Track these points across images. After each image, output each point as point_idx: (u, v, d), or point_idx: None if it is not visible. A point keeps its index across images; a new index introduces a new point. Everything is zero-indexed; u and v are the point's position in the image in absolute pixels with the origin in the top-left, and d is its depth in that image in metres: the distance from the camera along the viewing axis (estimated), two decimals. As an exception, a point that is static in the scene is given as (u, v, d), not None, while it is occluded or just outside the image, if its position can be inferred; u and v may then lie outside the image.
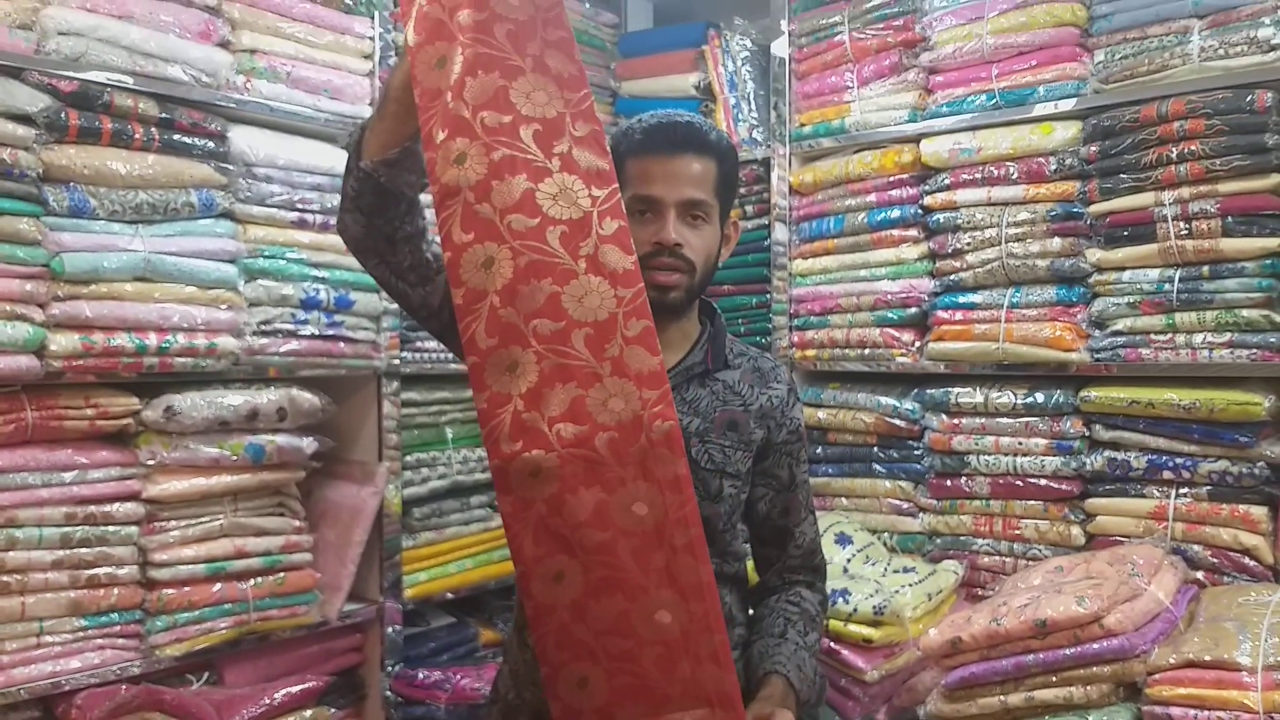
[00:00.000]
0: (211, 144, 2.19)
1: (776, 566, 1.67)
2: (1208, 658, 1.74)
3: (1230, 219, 2.14)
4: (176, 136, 2.14)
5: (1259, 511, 2.14)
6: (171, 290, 2.12)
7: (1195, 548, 2.21)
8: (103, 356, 2.01)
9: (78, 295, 2.00)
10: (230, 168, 2.21)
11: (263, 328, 2.27)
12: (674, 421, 1.32)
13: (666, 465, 1.32)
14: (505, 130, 1.32)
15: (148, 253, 2.07)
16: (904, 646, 2.28)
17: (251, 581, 2.24)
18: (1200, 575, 2.19)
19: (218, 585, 2.19)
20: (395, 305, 2.51)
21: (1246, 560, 2.15)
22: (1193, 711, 1.71)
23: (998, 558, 2.49)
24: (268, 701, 1.90)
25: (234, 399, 2.20)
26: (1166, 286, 2.23)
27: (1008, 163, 2.46)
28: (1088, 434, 2.37)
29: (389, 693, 2.45)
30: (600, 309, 1.32)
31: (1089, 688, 1.84)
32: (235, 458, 2.21)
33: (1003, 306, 2.46)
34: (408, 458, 2.61)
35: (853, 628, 2.23)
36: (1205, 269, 2.19)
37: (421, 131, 1.35)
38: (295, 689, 1.95)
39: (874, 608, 2.23)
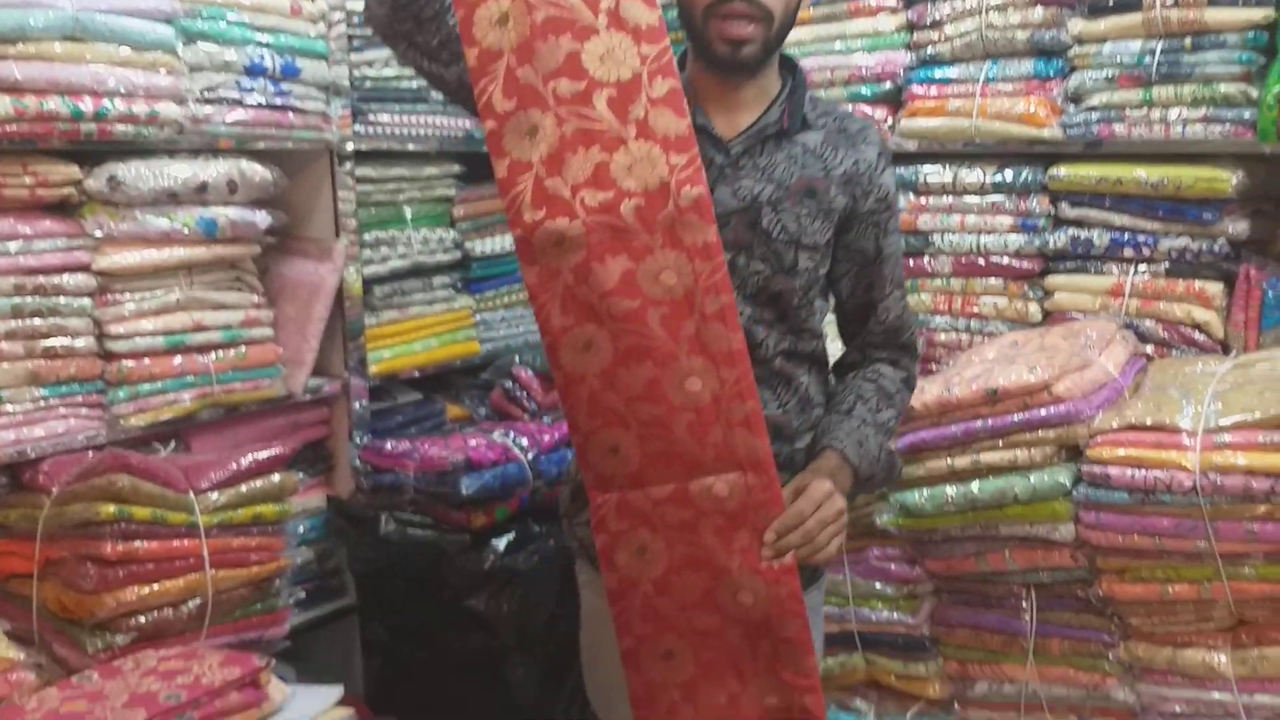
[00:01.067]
0: (135, -114, 2.01)
1: (858, 342, 1.57)
2: (1149, 421, 1.81)
3: (1217, -14, 2.06)
4: (95, -124, 1.95)
5: (1214, 287, 2.17)
6: (105, 51, 1.99)
7: (1148, 323, 2.24)
8: (36, 121, 1.91)
9: (4, 55, 1.87)
10: (159, -85, 2.04)
11: (206, 95, 2.16)
12: (702, 187, 1.27)
13: (695, 232, 1.28)
14: None
15: (75, 10, 1.94)
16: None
17: (213, 355, 2.24)
18: (1150, 349, 2.24)
19: (178, 358, 2.18)
20: (345, 78, 2.42)
21: (1196, 335, 2.19)
22: (1130, 471, 1.79)
23: (954, 334, 2.52)
24: (235, 466, 1.93)
25: (180, 170, 2.12)
26: (1147, 59, 2.16)
27: (992, -75, 2.32)
28: (1053, 212, 2.36)
29: (358, 462, 2.51)
30: (623, 67, 1.25)
31: (1033, 450, 1.91)
32: (187, 231, 2.15)
33: (978, 81, 2.38)
34: (366, 236, 2.56)
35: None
36: (1187, 41, 2.11)
37: None
38: (262, 455, 1.98)
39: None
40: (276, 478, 2.00)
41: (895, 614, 2.13)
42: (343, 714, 1.74)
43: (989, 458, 1.95)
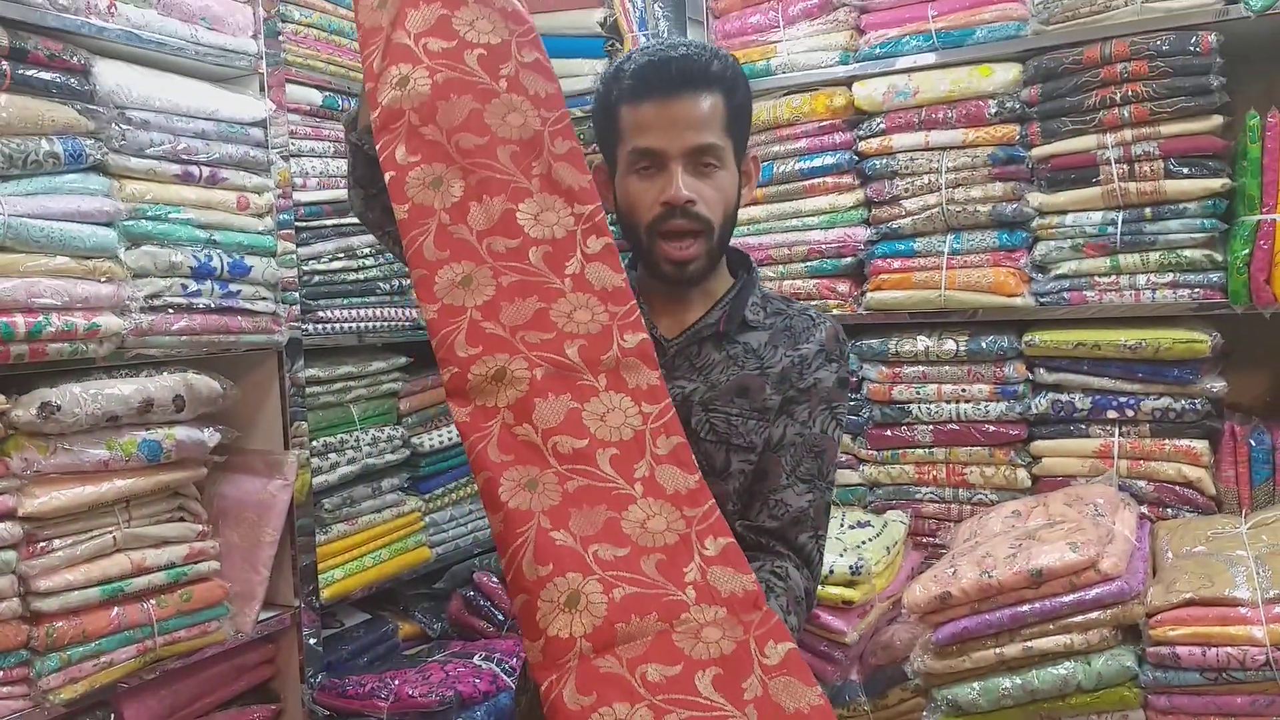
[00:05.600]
0: (74, 81, 1.80)
1: (754, 526, 1.38)
2: (1207, 595, 1.77)
3: (1173, 161, 2.18)
4: (31, 71, 1.74)
5: (1200, 445, 2.22)
6: (39, 262, 1.73)
7: (1140, 483, 2.27)
8: (-42, 346, 1.62)
9: (-82, 271, 1.60)
10: (99, 110, 1.83)
11: (150, 303, 1.91)
12: (644, 334, 1.26)
13: (641, 375, 1.26)
14: (449, 54, 1.30)
15: (6, 216, 1.68)
16: (872, 604, 2.23)
17: (153, 601, 1.91)
18: (1144, 509, 2.26)
19: (115, 610, 1.85)
20: (293, 272, 2.22)
21: (1189, 492, 2.22)
22: (1199, 650, 1.74)
23: (943, 504, 2.49)
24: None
25: (124, 388, 1.84)
26: (1110, 229, 2.25)
27: (945, 106, 2.41)
28: (1031, 377, 2.38)
29: (315, 706, 2.18)
30: (557, 227, 1.27)
31: (1089, 633, 1.84)
32: (127, 458, 1.86)
33: (943, 253, 2.43)
34: (313, 443, 2.31)
35: (831, 590, 2.16)
36: (1148, 211, 2.22)
37: (363, 66, 1.34)
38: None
39: (849, 567, 2.16)
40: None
41: (951, 822, 1.97)
42: None
43: (1042, 644, 1.86)
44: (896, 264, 2.49)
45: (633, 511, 1.20)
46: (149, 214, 1.92)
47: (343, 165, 2.36)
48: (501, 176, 1.27)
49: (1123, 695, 1.80)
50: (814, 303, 2.58)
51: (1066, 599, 1.85)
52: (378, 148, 1.28)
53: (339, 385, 2.40)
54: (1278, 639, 1.69)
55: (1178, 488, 2.23)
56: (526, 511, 1.17)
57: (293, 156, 2.25)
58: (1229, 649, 1.71)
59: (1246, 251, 2.13)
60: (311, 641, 2.24)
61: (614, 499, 1.20)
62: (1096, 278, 2.29)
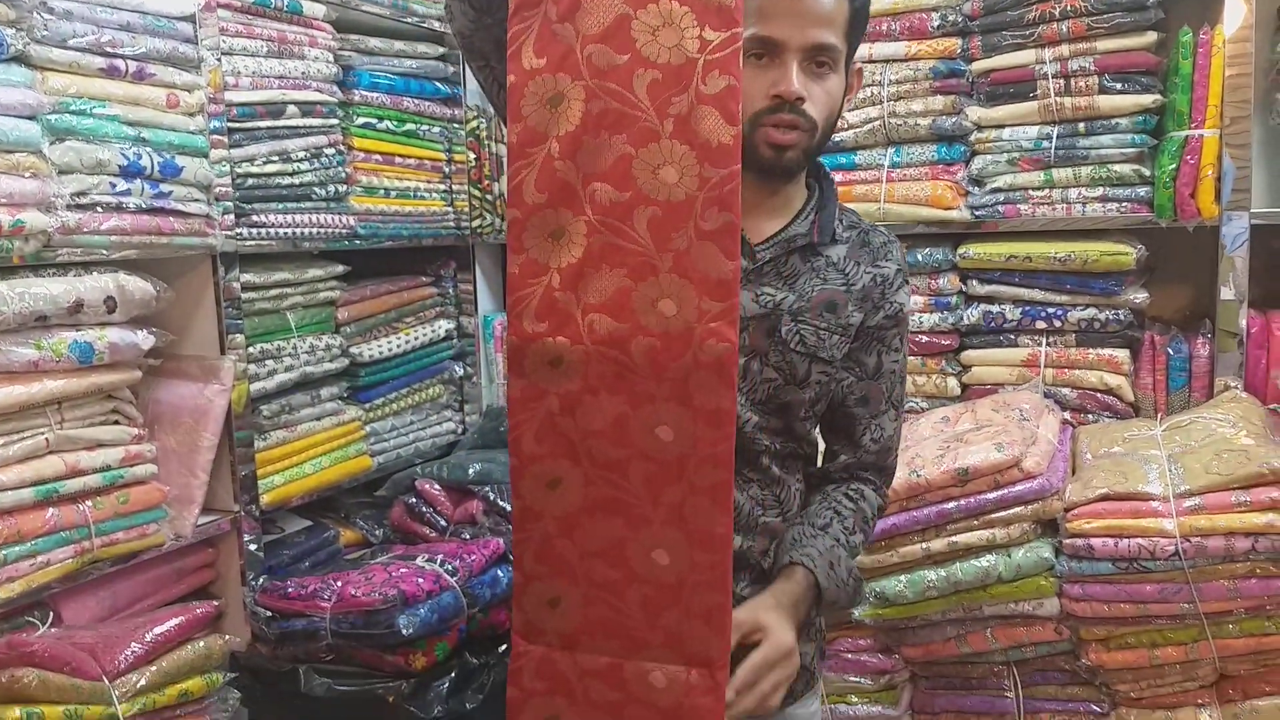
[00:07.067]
0: (-11, -37, 1.72)
1: (844, 459, 1.47)
2: (1121, 490, 1.87)
3: (1107, 76, 2.22)
4: (-58, -49, 1.66)
5: (1121, 354, 2.31)
6: (-42, 154, 1.67)
7: (1065, 390, 2.35)
8: (-125, 240, 1.57)
9: None
10: (18, -2, 1.75)
11: (77, 200, 1.86)
12: (731, 345, 1.11)
13: (709, 394, 1.12)
14: None
15: (-78, 105, 1.62)
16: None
17: (90, 503, 1.90)
18: (1067, 415, 2.35)
19: (50, 511, 1.83)
20: (227, 176, 2.17)
21: (1110, 399, 2.31)
22: (1112, 541, 1.83)
23: (876, 414, 2.54)
24: (150, 636, 1.62)
25: (52, 288, 1.80)
26: (1045, 144, 2.30)
27: (888, 19, 2.41)
28: (964, 289, 2.44)
29: (258, 608, 2.19)
30: (677, 188, 1.10)
31: (1010, 528, 1.93)
32: (58, 359, 1.82)
33: (884, 166, 2.45)
34: (250, 350, 2.28)
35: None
36: (1081, 126, 2.27)
37: None
38: (178, 619, 1.68)
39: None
40: (201, 643, 1.70)
41: (875, 707, 2.08)
42: None
43: (966, 538, 1.95)
44: (838, 177, 2.51)
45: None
46: (73, 108, 1.85)
47: (276, 65, 2.30)
48: (630, 110, 1.09)
49: (1039, 585, 1.89)
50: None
51: (990, 496, 1.93)
52: (508, 37, 1.12)
53: (275, 292, 2.36)
54: (1186, 531, 1.78)
55: (1099, 394, 2.32)
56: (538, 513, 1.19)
57: (225, 55, 2.18)
58: (1140, 540, 1.81)
59: (1174, 166, 2.19)
60: (252, 547, 2.25)
61: (634, 516, 1.17)
62: (1030, 191, 2.33)
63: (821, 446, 1.53)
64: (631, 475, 1.15)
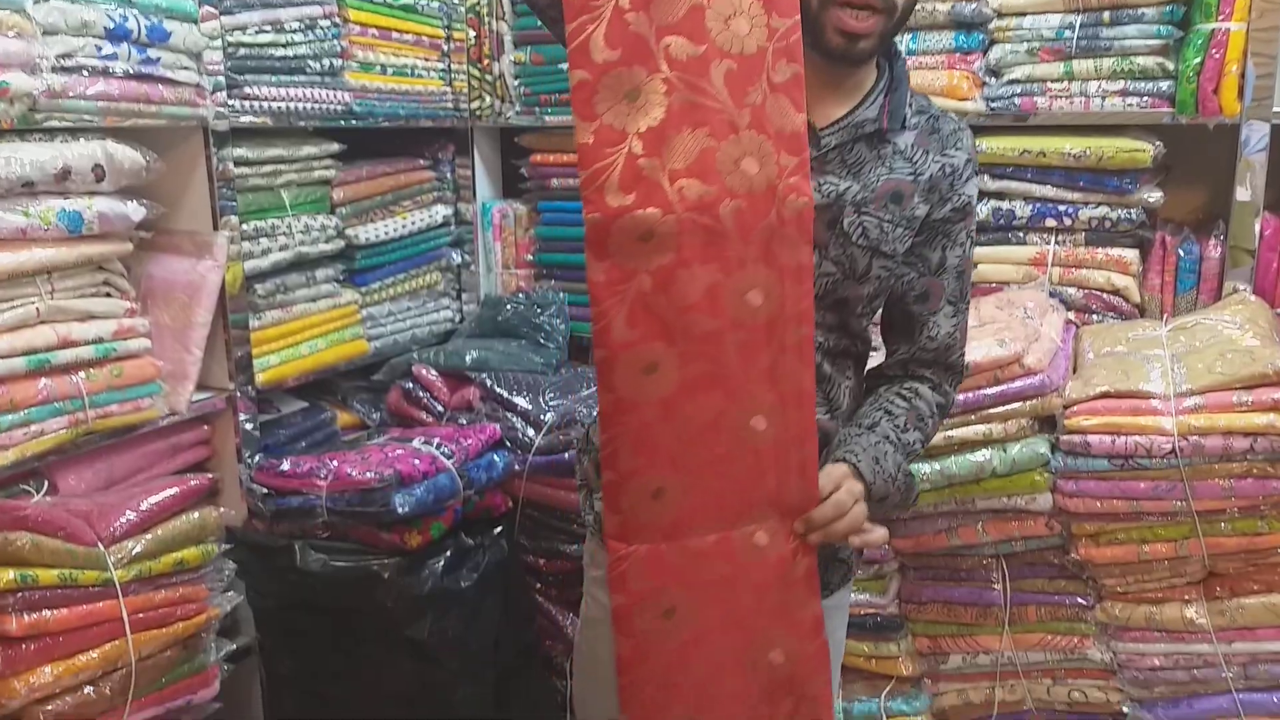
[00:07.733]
0: None
1: (901, 355, 1.42)
2: (1122, 388, 1.85)
3: (1135, -40, 2.13)
4: None
5: (1130, 254, 2.26)
6: (-64, 7, 1.60)
7: (1070, 290, 2.31)
8: None
9: None
10: None
11: (62, 63, 1.79)
12: (809, 199, 1.09)
13: (791, 250, 1.11)
14: None
15: (-106, -49, 1.54)
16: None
17: (82, 374, 1.88)
18: (1071, 315, 2.32)
19: (43, 381, 1.81)
20: (218, 45, 2.09)
21: (1116, 300, 2.28)
22: (1109, 438, 1.83)
23: (878, 310, 2.52)
24: (146, 505, 1.63)
25: (39, 153, 1.75)
26: (1067, 33, 2.21)
27: (909, -106, 2.29)
28: (974, 184, 2.38)
29: (254, 485, 2.21)
30: (749, 39, 1.05)
31: (1008, 423, 1.92)
32: (46, 227, 1.78)
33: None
34: (244, 226, 2.24)
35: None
36: (1106, 15, 2.18)
37: None
38: (175, 489, 1.68)
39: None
40: (196, 514, 1.70)
41: (863, 595, 2.10)
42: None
43: (962, 433, 1.94)
44: (849, 64, 2.43)
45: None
46: (57, -37, 1.78)
47: (268, -73, 2.20)
48: None
49: (1033, 479, 1.90)
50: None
51: (990, 391, 1.92)
52: None
53: (269, 168, 2.31)
54: (1185, 430, 1.77)
55: (1105, 295, 2.28)
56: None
57: (213, -87, 2.08)
58: (1137, 438, 1.80)
59: (1199, 60, 2.11)
60: (248, 425, 2.25)
61: (732, 387, 1.14)
62: (1049, 83, 2.26)
63: (877, 343, 1.48)
64: (726, 345, 1.12)
